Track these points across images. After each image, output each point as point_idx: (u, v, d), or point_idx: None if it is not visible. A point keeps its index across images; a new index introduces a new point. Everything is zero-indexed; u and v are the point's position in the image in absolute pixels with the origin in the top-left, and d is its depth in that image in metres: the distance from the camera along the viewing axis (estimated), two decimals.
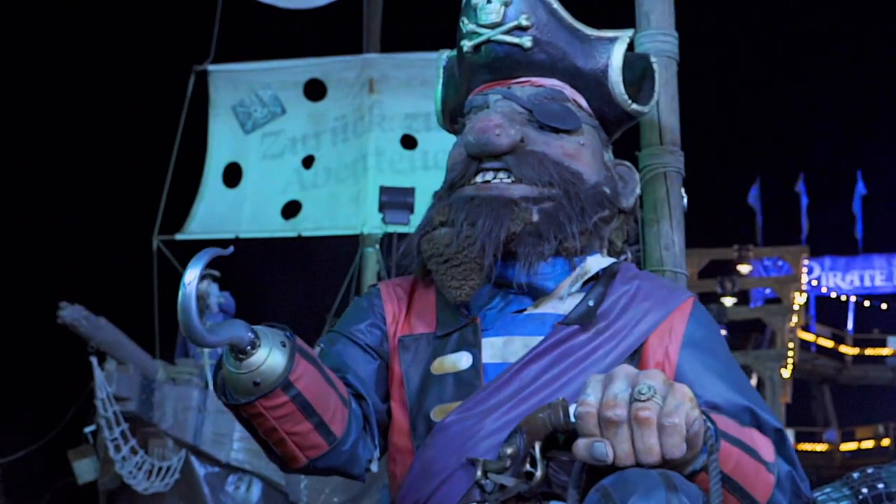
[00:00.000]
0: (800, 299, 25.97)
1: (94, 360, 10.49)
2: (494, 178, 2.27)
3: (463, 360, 2.23)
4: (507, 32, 2.31)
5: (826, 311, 35.83)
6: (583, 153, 2.33)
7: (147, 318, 12.72)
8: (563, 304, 2.26)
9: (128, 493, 10.83)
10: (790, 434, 27.24)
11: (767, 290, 29.62)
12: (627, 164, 2.45)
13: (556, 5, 2.35)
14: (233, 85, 14.09)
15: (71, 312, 10.05)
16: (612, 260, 2.34)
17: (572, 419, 1.81)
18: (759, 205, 33.57)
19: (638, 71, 2.47)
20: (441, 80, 2.58)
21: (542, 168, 2.25)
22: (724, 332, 24.06)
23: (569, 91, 2.37)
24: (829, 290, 36.31)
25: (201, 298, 11.07)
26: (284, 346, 1.99)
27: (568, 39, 2.35)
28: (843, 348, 33.86)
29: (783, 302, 25.25)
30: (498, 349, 2.23)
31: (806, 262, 29.63)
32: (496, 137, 2.24)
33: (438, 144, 13.53)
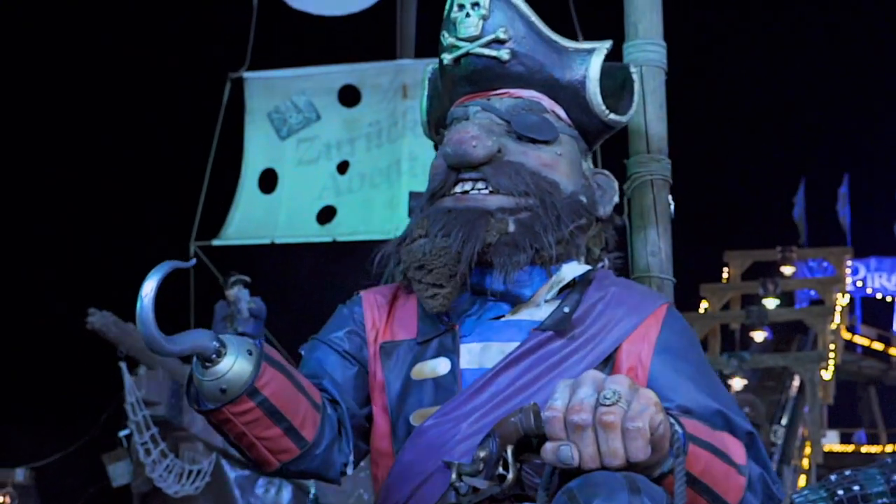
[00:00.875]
0: (842, 300, 25.73)
1: (123, 365, 10.60)
2: (472, 188, 2.31)
3: (441, 365, 2.29)
4: (486, 45, 2.35)
5: (872, 312, 35.53)
6: (560, 163, 2.37)
7: (183, 323, 12.83)
8: (540, 310, 2.31)
9: (160, 496, 10.93)
10: (834, 436, 27.06)
11: (812, 292, 29.40)
12: (606, 172, 2.49)
13: (534, 18, 2.39)
14: (268, 91, 14.17)
15: (99, 319, 10.16)
16: (588, 267, 2.38)
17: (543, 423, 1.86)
18: (803, 206, 33.35)
19: (619, 81, 2.50)
20: (426, 92, 2.63)
21: (518, 178, 2.30)
22: (765, 334, 24.02)
23: (547, 102, 2.41)
24: (875, 290, 35.98)
25: (232, 304, 11.16)
26: (251, 354, 2.07)
27: (546, 51, 2.39)
28: (892, 350, 33.52)
29: (826, 303, 25.04)
30: (475, 355, 2.29)
31: (849, 263, 29.37)
32: (472, 149, 2.29)
33: None
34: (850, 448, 28.14)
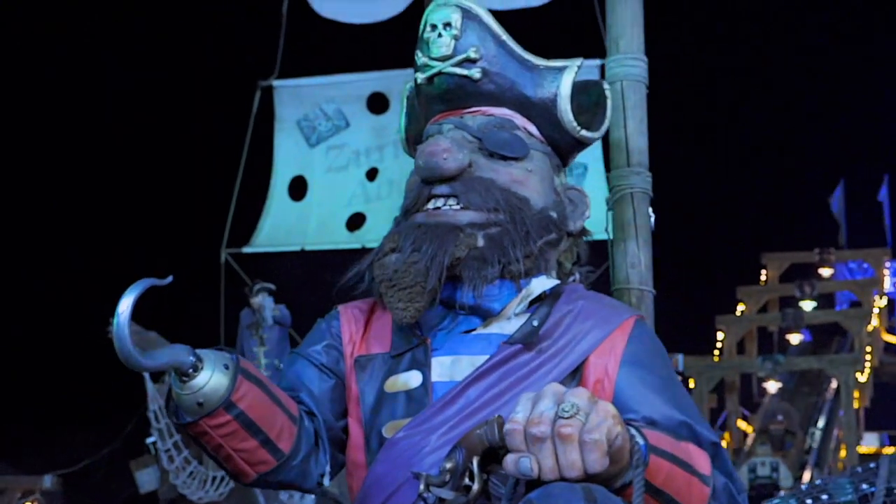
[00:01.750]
0: (880, 302, 25.53)
1: (146, 373, 10.67)
2: (444, 204, 2.36)
3: (413, 378, 2.34)
4: (457, 65, 2.39)
5: None
6: (530, 179, 2.41)
7: (214, 330, 12.92)
8: (510, 324, 2.35)
9: (186, 502, 10.99)
10: (873, 438, 26.85)
11: (851, 294, 29.17)
12: (579, 188, 2.52)
13: (505, 37, 2.43)
14: (297, 99, 14.19)
15: None
16: (556, 281, 2.42)
17: None
18: (842, 207, 33.10)
19: (593, 97, 2.54)
20: (405, 110, 2.69)
21: (488, 194, 2.34)
22: (802, 336, 23.88)
23: (519, 119, 2.45)
24: None
25: (257, 311, 11.22)
26: (227, 368, 2.14)
27: (517, 70, 2.43)
28: None
29: (863, 305, 24.85)
30: (446, 368, 2.33)
31: (888, 264, 29.12)
32: (444, 161, 2.34)
33: None
34: (890, 451, 27.90)
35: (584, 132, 2.48)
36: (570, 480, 1.78)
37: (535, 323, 2.33)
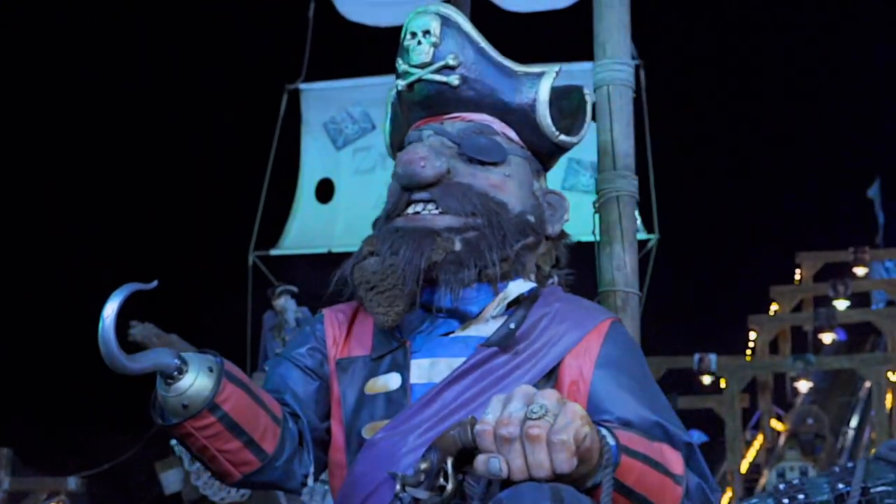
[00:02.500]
0: None
1: None
2: (423, 209, 2.40)
3: (393, 380, 2.38)
4: (437, 71, 2.44)
5: None
6: (508, 184, 2.44)
7: (241, 332, 12.99)
8: (487, 326, 2.38)
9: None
10: None
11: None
12: (558, 192, 2.55)
13: (484, 44, 2.47)
14: (324, 102, 14.27)
15: (141, 330, 10.29)
16: (534, 284, 2.45)
17: None
18: (879, 205, 32.86)
19: (575, 102, 2.58)
20: (388, 117, 2.74)
21: (466, 199, 2.38)
22: (835, 336, 23.76)
23: (497, 125, 2.48)
24: None
25: (279, 313, 11.28)
26: (212, 370, 2.19)
27: (496, 76, 2.47)
28: None
29: None
30: (425, 370, 2.37)
31: None
32: (421, 169, 2.38)
33: None
34: None
35: (562, 137, 2.51)
36: (539, 480, 1.80)
37: (512, 325, 2.36)
